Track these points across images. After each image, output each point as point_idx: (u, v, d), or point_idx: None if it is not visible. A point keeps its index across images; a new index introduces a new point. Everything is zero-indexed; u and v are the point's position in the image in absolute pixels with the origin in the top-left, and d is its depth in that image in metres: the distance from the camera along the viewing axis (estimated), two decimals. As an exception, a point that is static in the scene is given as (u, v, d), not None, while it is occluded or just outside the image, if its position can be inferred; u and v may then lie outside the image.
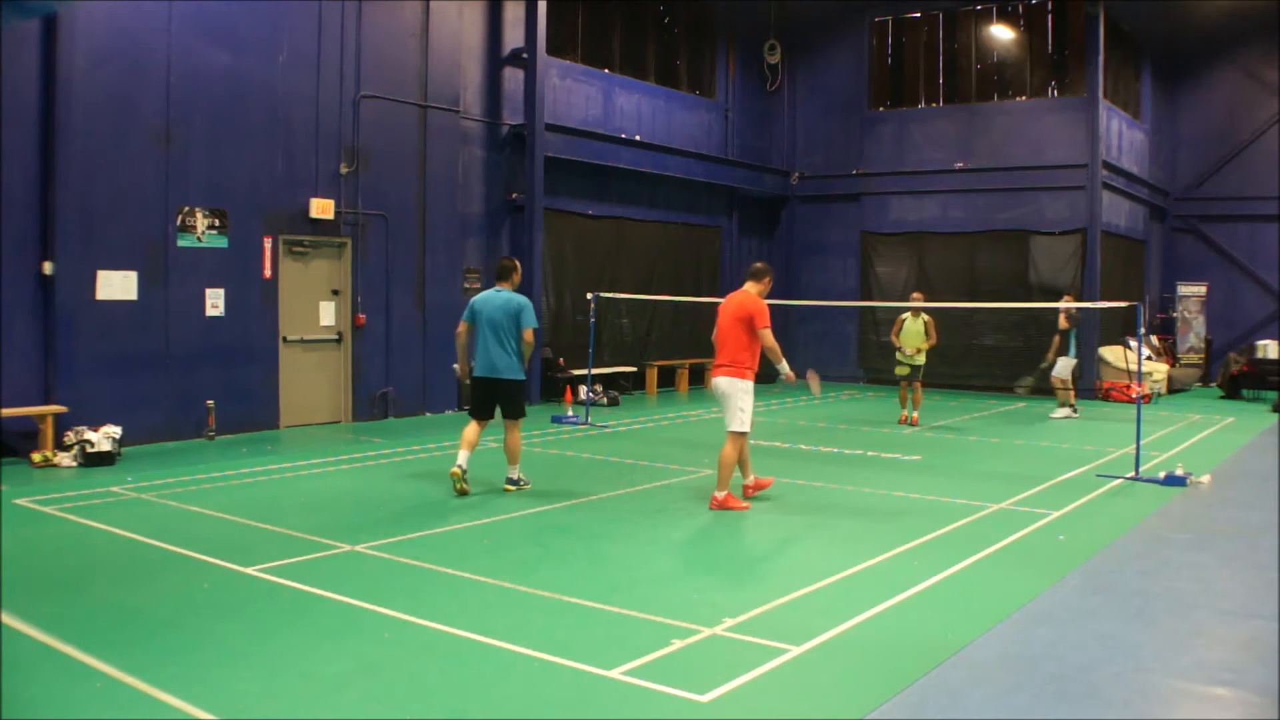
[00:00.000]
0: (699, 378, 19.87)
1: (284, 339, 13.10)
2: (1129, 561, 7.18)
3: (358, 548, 7.18)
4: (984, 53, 21.05)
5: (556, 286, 17.37)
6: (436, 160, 14.82)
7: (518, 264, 9.61)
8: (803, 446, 12.40)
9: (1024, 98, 20.63)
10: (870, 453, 12.08)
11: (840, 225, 21.91)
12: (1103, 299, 17.81)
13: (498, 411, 9.23)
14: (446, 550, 7.17)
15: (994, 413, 16.55)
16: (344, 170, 13.59)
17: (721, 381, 8.63)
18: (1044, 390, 17.09)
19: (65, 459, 10.27)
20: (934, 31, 21.40)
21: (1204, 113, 23.36)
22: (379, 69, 13.96)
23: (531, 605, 5.93)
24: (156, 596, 6.05)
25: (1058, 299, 16.78)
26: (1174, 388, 20.68)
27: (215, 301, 12.25)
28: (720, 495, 8.59)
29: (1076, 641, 5.41)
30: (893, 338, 15.02)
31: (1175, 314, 22.62)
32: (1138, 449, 10.56)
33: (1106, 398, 18.57)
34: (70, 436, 10.46)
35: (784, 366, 8.71)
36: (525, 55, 16.40)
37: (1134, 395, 13.89)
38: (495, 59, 16.51)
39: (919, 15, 21.43)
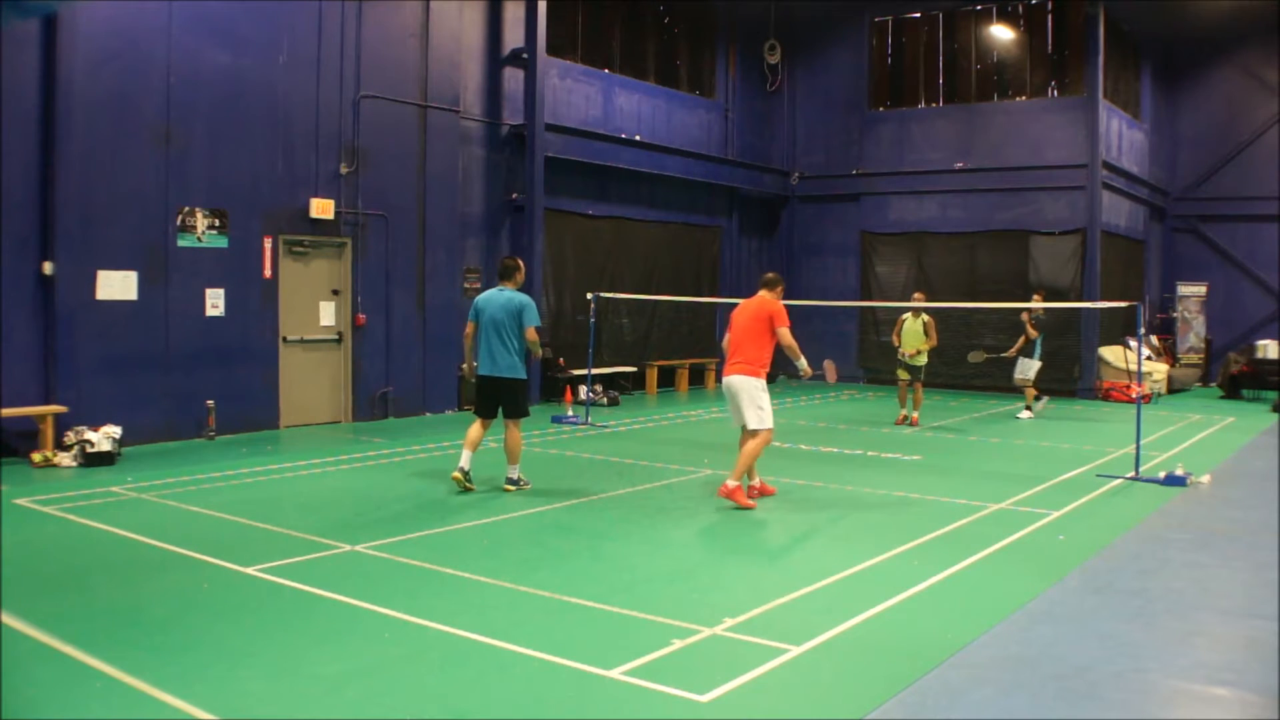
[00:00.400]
0: (699, 378, 19.88)
1: (284, 339, 13.10)
2: (1129, 561, 7.17)
3: (358, 548, 7.18)
4: (984, 53, 21.05)
5: (556, 286, 17.36)
6: (436, 160, 14.82)
7: (520, 263, 9.61)
8: (803, 446, 12.40)
9: (1024, 98, 20.62)
10: (870, 453, 12.08)
11: (840, 225, 21.91)
12: (1103, 299, 17.80)
13: (500, 411, 9.26)
14: (446, 550, 7.17)
15: (994, 413, 16.54)
16: (344, 170, 13.59)
17: (735, 379, 8.77)
18: (998, 364, 16.84)
19: (65, 459, 10.27)
20: (934, 31, 21.40)
21: (1204, 112, 23.34)
22: (379, 69, 13.96)
23: (531, 605, 5.93)
24: (156, 596, 6.04)
25: (1057, 299, 16.75)
26: (1174, 388, 20.67)
27: (215, 301, 12.25)
28: (732, 484, 8.64)
29: (1076, 641, 5.41)
30: (894, 338, 15.04)
31: (1175, 314, 22.60)
32: (1138, 449, 10.57)
33: (1106, 398, 18.58)
34: (70, 436, 10.46)
35: (802, 362, 8.85)
36: (525, 55, 16.39)
37: (1134, 395, 13.89)
38: (495, 59, 16.51)
39: (919, 15, 21.42)
